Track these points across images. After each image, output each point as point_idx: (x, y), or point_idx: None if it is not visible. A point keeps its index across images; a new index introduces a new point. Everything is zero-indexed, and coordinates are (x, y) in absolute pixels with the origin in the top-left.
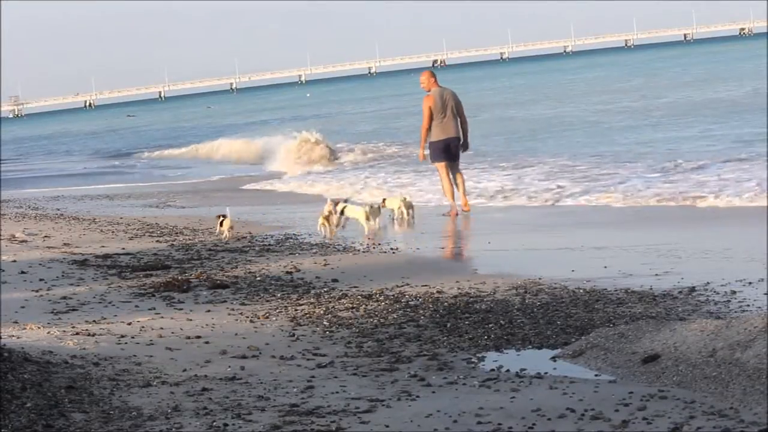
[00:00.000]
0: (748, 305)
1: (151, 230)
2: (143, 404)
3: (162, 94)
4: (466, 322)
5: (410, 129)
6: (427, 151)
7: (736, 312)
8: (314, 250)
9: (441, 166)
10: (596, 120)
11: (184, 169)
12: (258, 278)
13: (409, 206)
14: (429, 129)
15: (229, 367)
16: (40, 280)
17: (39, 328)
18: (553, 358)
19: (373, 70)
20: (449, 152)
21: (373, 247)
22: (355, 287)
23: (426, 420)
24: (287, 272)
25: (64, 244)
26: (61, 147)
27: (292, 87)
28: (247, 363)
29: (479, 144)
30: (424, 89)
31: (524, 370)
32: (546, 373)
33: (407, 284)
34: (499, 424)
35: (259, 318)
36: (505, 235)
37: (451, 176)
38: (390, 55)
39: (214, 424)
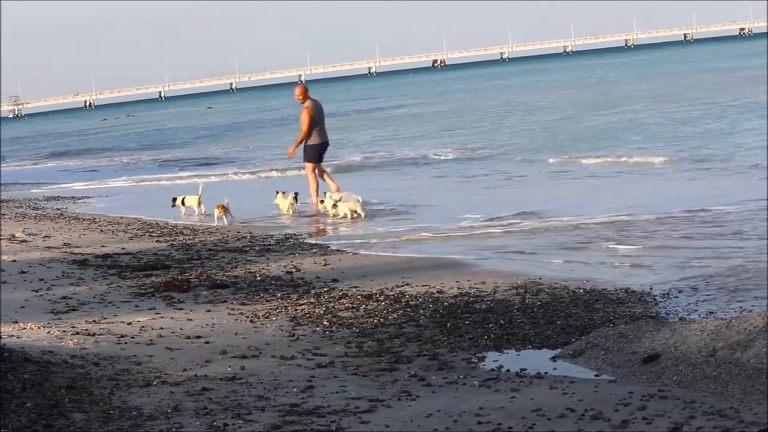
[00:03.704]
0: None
1: (151, 230)
2: (143, 404)
3: (162, 94)
4: (466, 322)
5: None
6: (299, 151)
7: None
8: (314, 250)
9: (312, 166)
10: None
11: None
12: (258, 278)
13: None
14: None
15: (229, 367)
16: (40, 280)
17: (39, 328)
18: (553, 358)
19: (373, 70)
20: (323, 154)
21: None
22: (355, 287)
23: (426, 420)
24: (287, 272)
25: (64, 244)
26: None
27: (293, 87)
28: (247, 363)
29: None
30: (300, 101)
31: (524, 370)
32: (546, 373)
33: (407, 284)
34: (499, 424)
35: (259, 318)
36: None
37: (316, 174)
38: (390, 55)
39: (214, 423)
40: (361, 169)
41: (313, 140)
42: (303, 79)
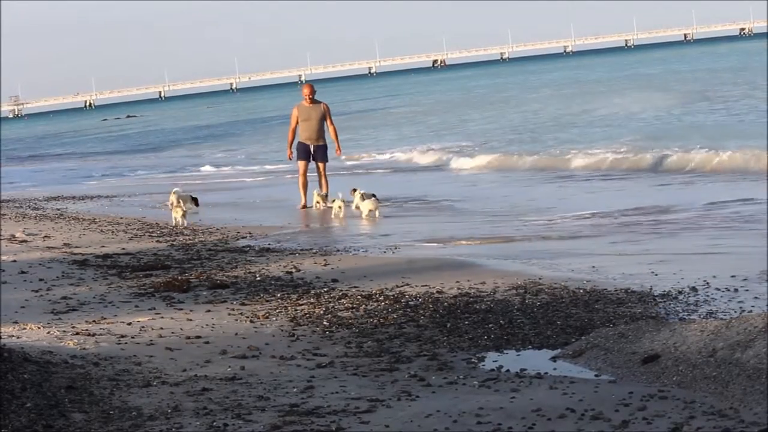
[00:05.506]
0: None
1: (151, 230)
2: (143, 404)
3: (162, 94)
4: (466, 322)
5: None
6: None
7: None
8: (314, 250)
9: (323, 166)
10: None
11: None
12: (258, 278)
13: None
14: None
15: (229, 367)
16: (40, 280)
17: (39, 328)
18: (553, 358)
19: (373, 70)
20: None
21: (371, 247)
22: (355, 287)
23: (426, 420)
24: (287, 272)
25: (64, 244)
26: None
27: (293, 87)
28: (247, 363)
29: None
30: (310, 101)
31: (524, 370)
32: (546, 373)
33: (407, 284)
34: (499, 424)
35: (259, 318)
36: None
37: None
38: (390, 55)
39: (214, 424)
40: (378, 169)
41: (323, 140)
42: (303, 79)
